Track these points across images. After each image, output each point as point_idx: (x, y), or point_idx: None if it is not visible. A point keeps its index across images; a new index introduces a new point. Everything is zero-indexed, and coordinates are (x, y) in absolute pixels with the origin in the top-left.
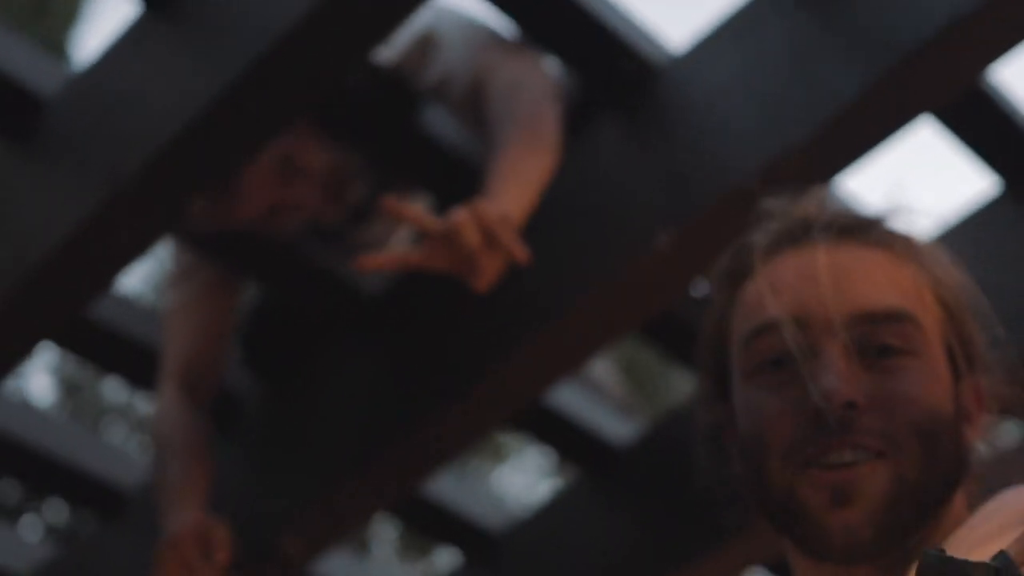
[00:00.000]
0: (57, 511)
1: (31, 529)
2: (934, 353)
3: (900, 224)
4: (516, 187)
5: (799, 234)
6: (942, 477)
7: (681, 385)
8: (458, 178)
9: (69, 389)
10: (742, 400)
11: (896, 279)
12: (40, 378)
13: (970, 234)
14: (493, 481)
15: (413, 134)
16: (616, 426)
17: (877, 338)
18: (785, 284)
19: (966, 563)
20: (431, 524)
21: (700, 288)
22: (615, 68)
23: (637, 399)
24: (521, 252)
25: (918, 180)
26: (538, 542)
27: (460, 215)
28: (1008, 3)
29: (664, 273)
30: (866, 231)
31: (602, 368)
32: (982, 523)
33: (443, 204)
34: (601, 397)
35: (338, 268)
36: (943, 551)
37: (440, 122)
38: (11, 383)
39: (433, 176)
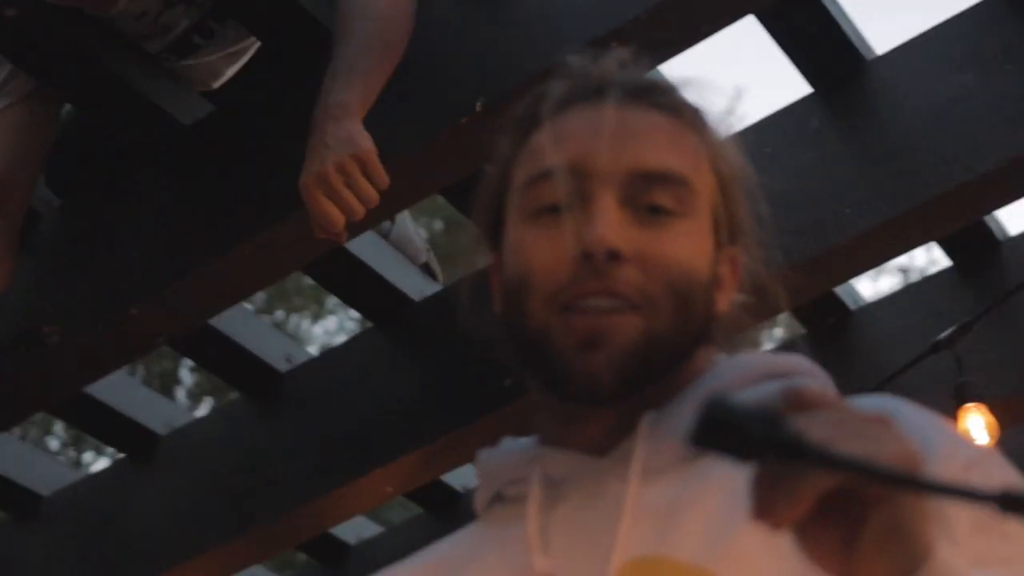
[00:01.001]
0: None
1: None
2: (702, 219)
3: (692, 96)
4: (361, 83)
5: (592, 91)
6: (689, 335)
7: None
8: (289, 23)
9: None
10: (512, 242)
11: (678, 144)
12: None
13: (775, 131)
14: (306, 332)
15: None
16: (413, 281)
17: (650, 197)
18: (569, 135)
19: (749, 407)
20: (218, 361)
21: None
22: None
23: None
24: (383, 181)
25: (738, 74)
26: (322, 383)
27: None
28: None
29: (476, 137)
30: (657, 96)
31: (412, 228)
32: (718, 379)
33: (271, 46)
34: (401, 254)
35: (154, 94)
36: (726, 397)
37: None
38: None
39: (261, 20)
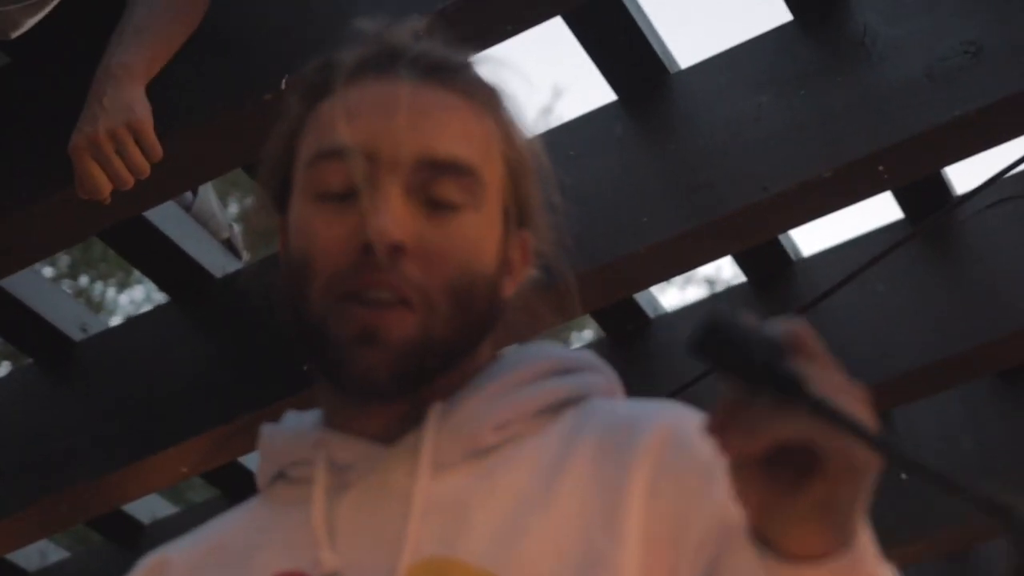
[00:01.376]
0: None
1: None
2: (491, 208)
3: (486, 74)
4: (148, 47)
5: (385, 63)
6: (469, 332)
7: None
8: None
9: None
10: (298, 219)
11: (470, 131)
12: None
13: (582, 134)
14: (111, 301)
15: None
16: (215, 257)
17: (438, 188)
18: (361, 112)
19: (755, 332)
20: (10, 326)
21: None
22: None
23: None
24: (156, 152)
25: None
26: (118, 355)
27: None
28: None
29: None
30: (453, 74)
31: (216, 202)
32: (505, 370)
33: None
34: (203, 227)
35: None
36: (735, 314)
37: None
38: None
39: None
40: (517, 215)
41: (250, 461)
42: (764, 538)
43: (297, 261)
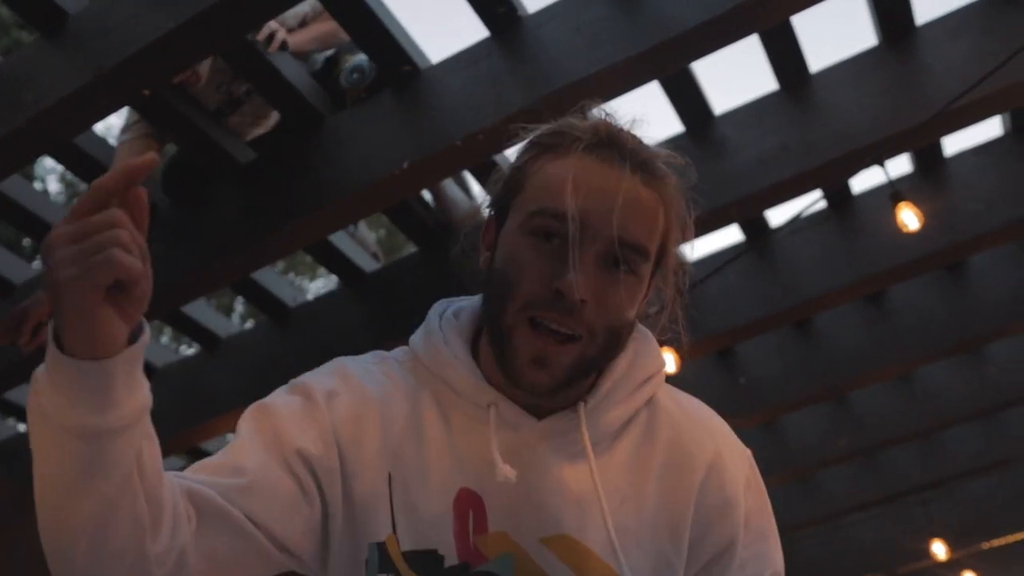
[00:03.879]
0: None
1: None
2: (646, 274)
3: (670, 167)
4: None
5: (608, 151)
6: (612, 355)
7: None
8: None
9: None
10: (511, 246)
11: (655, 225)
12: None
13: None
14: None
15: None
16: (365, 261)
17: (622, 259)
18: (586, 188)
19: None
20: (252, 296)
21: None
22: (395, 65)
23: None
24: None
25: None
26: (316, 316)
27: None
28: None
29: (404, 181)
30: (654, 174)
31: (365, 229)
32: (623, 379)
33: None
34: (360, 245)
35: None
36: None
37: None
38: None
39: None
40: (660, 277)
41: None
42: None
43: (502, 276)
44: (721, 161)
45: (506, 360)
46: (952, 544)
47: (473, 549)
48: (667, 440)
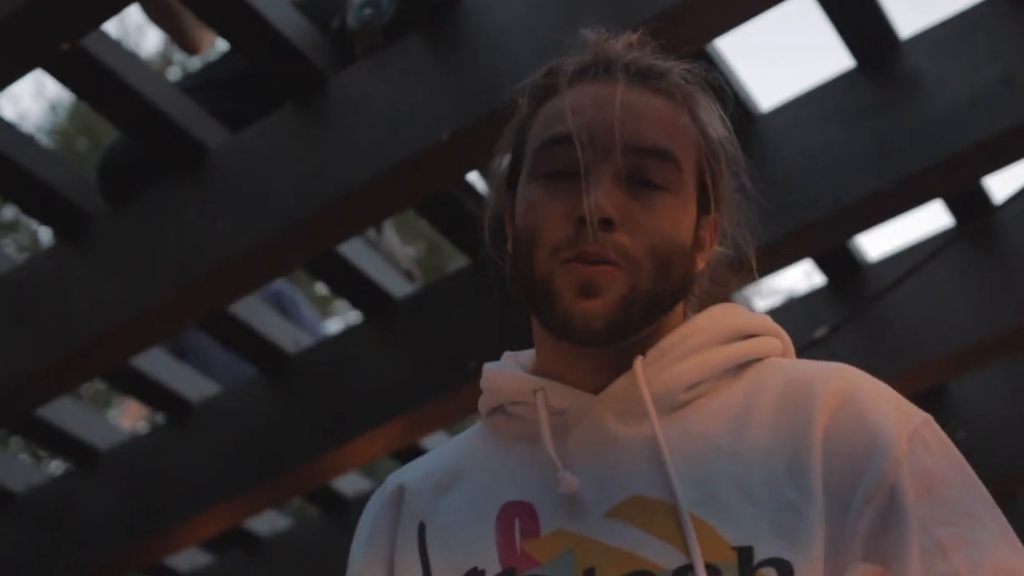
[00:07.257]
0: None
1: None
2: (687, 192)
3: (684, 77)
4: None
5: (601, 70)
6: (669, 292)
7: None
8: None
9: None
10: (524, 197)
11: (669, 126)
12: None
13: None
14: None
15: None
16: (395, 283)
17: (643, 171)
18: (582, 108)
19: None
20: (238, 341)
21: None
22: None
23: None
24: None
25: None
26: (324, 364)
27: None
28: None
29: (443, 161)
30: (656, 79)
31: (394, 238)
32: (693, 334)
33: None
34: (388, 261)
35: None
36: None
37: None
38: None
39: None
40: (711, 199)
41: (429, 442)
42: None
43: (525, 232)
44: (911, 106)
45: (552, 309)
46: None
47: (520, 554)
48: (780, 384)
